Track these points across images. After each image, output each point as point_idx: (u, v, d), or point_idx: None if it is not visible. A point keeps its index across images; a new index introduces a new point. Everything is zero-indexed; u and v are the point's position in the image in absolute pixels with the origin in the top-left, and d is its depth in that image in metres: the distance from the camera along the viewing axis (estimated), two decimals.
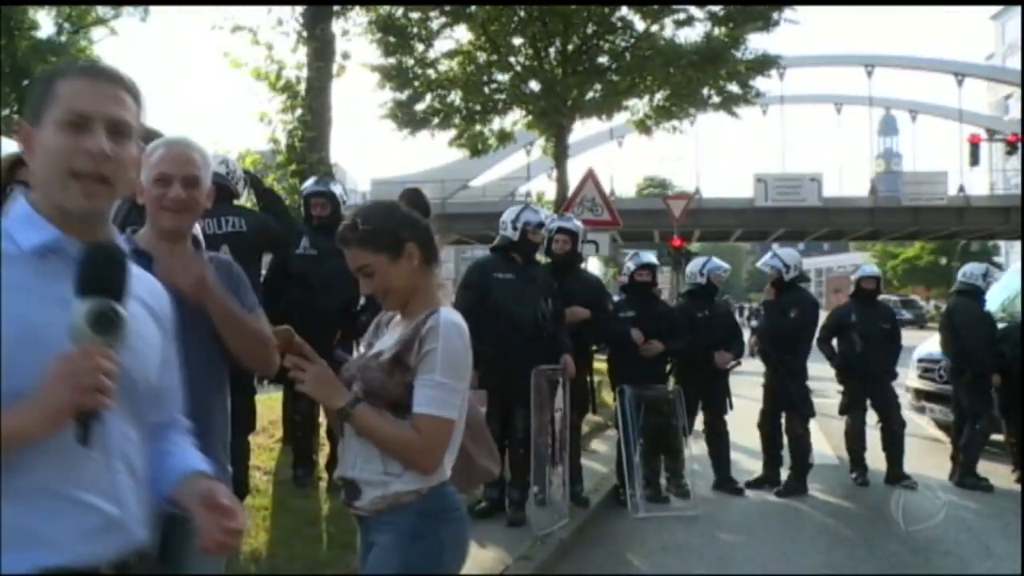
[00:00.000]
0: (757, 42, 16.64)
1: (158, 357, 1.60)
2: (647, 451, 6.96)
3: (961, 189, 40.32)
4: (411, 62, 17.02)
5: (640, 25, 16.62)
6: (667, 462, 7.08)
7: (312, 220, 6.01)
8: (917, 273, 59.97)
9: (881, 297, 8.57)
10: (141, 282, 1.60)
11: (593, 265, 18.76)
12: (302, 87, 7.58)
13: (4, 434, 1.32)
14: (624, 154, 78.14)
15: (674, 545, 5.88)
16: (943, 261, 54.99)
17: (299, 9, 7.55)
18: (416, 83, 17.26)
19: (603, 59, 16.81)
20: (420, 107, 17.74)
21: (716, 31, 16.15)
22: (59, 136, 1.45)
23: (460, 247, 54.36)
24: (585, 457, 8.24)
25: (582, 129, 43.51)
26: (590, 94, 16.88)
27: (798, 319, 7.46)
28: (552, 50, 16.84)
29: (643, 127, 18.97)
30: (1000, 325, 8.52)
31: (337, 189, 6.10)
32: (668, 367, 7.28)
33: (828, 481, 7.97)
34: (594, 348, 6.89)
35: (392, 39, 16.68)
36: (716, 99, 17.44)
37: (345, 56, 7.67)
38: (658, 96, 17.29)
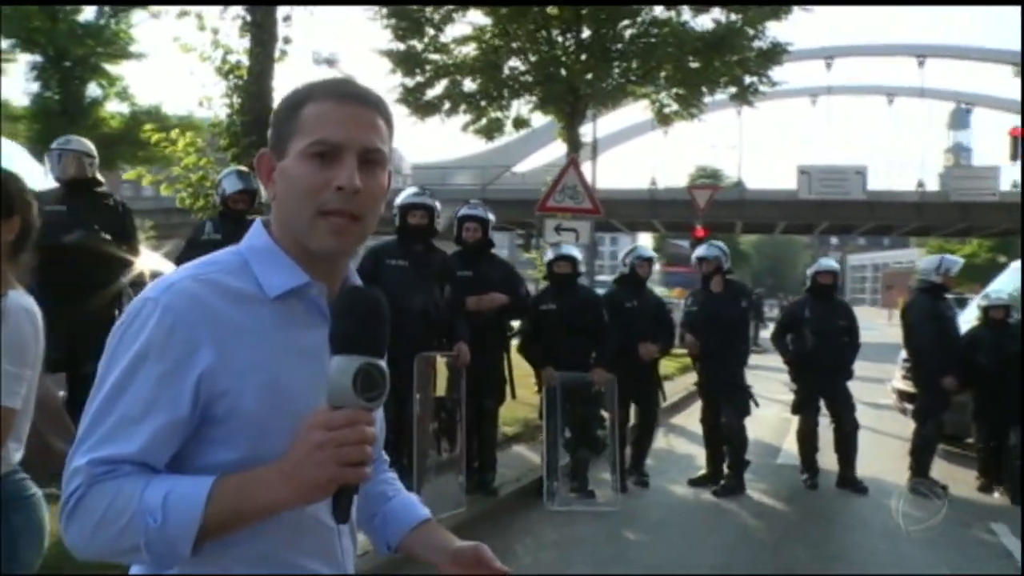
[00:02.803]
0: (776, 30, 16.23)
1: None
2: (572, 442, 6.79)
3: (1016, 185, 38.85)
4: (420, 47, 16.92)
5: (657, 9, 16.34)
6: (590, 454, 6.88)
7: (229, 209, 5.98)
8: (974, 271, 57.98)
9: None
10: None
11: None
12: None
13: (254, 506, 1.18)
14: (670, 143, 76.83)
15: (569, 541, 5.71)
16: (1002, 259, 53.27)
17: None
18: (427, 68, 17.15)
19: (617, 46, 16.51)
20: (433, 93, 17.64)
21: (728, 18, 15.76)
22: (305, 167, 1.28)
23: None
24: (528, 447, 8.15)
25: (623, 118, 43.11)
26: (606, 82, 16.67)
27: (748, 310, 7.36)
28: (565, 37, 16.63)
29: (662, 117, 18.71)
30: (972, 326, 8.10)
31: (255, 184, 6.04)
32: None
33: (778, 482, 7.73)
34: (511, 333, 6.75)
35: (404, 24, 16.66)
36: (732, 89, 16.99)
37: (287, 41, 7.63)
38: (668, 83, 16.95)
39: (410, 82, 17.23)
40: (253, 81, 7.49)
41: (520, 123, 18.71)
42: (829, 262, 7.90)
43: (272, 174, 1.34)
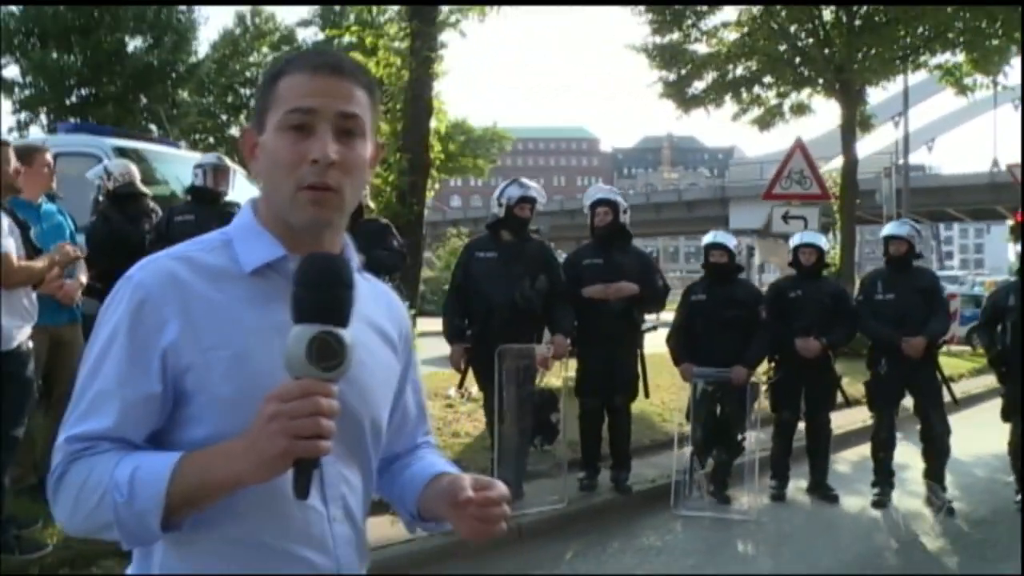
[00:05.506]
0: None
1: (390, 388, 1.45)
2: (709, 444, 6.36)
3: None
4: (679, 38, 16.55)
5: None
6: (726, 458, 6.37)
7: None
8: None
9: None
10: (377, 300, 1.43)
11: None
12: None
13: (216, 480, 1.17)
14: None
15: (665, 547, 5.39)
16: None
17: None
18: (688, 60, 16.72)
19: (884, 17, 15.05)
20: (700, 84, 17.19)
21: None
22: (281, 141, 1.28)
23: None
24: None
25: (954, 100, 38.60)
26: (883, 56, 15.28)
27: (946, 302, 6.77)
28: (835, 14, 15.46)
29: (959, 86, 16.77)
30: None
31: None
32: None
33: (989, 501, 6.61)
34: (645, 328, 6.43)
35: (666, 17, 16.38)
36: None
37: (442, 46, 7.90)
38: (954, 48, 15.14)
39: (671, 76, 16.94)
40: (408, 88, 7.88)
41: (800, 109, 17.68)
42: None
43: (255, 150, 1.34)
